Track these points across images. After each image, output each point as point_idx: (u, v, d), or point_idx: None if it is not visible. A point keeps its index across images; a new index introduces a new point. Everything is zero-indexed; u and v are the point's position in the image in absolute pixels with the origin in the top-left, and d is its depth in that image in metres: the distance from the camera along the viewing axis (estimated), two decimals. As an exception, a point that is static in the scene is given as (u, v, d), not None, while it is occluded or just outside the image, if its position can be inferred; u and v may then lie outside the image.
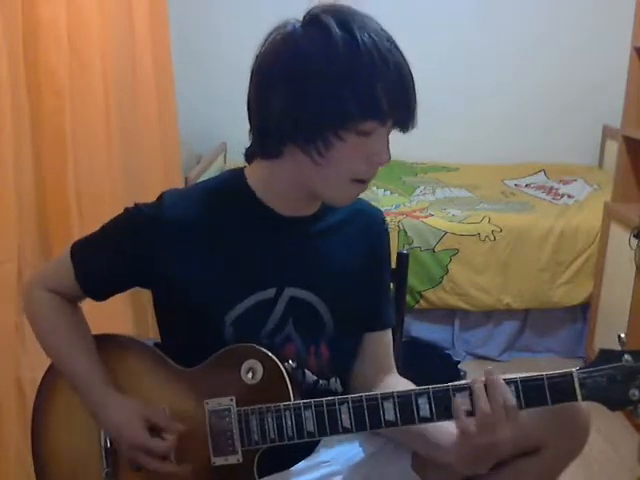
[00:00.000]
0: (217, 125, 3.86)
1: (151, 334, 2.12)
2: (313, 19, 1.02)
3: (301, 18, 1.04)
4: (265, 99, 1.04)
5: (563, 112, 3.95)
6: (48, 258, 1.66)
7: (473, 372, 2.78)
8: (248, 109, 1.09)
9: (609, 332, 2.67)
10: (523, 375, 0.98)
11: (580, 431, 1.11)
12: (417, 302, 2.99)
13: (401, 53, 1.02)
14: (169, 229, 1.09)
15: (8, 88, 1.42)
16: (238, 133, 4.08)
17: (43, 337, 1.20)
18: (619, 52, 2.88)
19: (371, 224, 1.23)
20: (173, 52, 2.51)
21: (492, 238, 2.97)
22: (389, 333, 1.27)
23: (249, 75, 1.07)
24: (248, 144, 1.13)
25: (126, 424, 1.09)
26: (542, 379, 0.97)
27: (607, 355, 0.96)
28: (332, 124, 0.99)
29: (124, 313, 2.02)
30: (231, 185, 1.14)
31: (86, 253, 1.17)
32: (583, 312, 3.02)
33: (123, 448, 1.11)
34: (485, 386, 0.97)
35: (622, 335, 1.00)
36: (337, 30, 0.98)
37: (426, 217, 3.08)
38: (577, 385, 0.95)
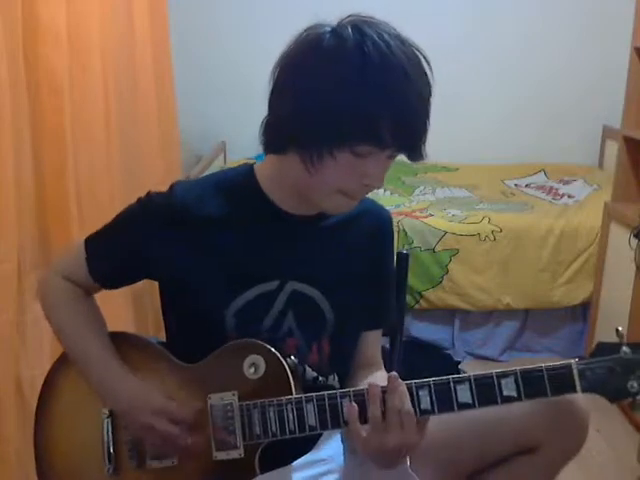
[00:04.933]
0: (216, 124, 3.87)
1: (151, 334, 2.12)
2: (339, 32, 0.99)
3: (335, 21, 1.02)
4: (277, 97, 1.05)
5: (563, 112, 3.95)
6: (48, 258, 1.66)
7: (473, 372, 2.78)
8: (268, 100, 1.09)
9: (609, 332, 2.65)
10: (523, 367, 0.98)
11: (578, 429, 1.11)
12: (417, 302, 2.99)
13: (423, 80, 0.99)
14: (177, 219, 1.11)
15: (8, 88, 1.42)
16: (237, 132, 4.10)
17: (58, 322, 1.21)
18: (619, 52, 2.88)
19: (377, 224, 1.24)
20: (173, 52, 2.52)
21: (492, 238, 2.97)
22: (380, 331, 1.28)
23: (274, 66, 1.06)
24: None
25: (149, 392, 1.11)
26: (541, 370, 0.97)
27: (605, 347, 0.97)
28: (327, 140, 0.99)
29: (125, 313, 2.02)
30: (240, 180, 1.16)
31: (99, 242, 1.20)
32: (583, 312, 3.02)
33: (147, 419, 1.09)
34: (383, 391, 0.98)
35: (620, 328, 1.00)
36: (354, 50, 0.96)
37: (426, 217, 3.08)
38: (576, 376, 0.95)
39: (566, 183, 3.67)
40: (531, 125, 3.98)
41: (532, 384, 0.97)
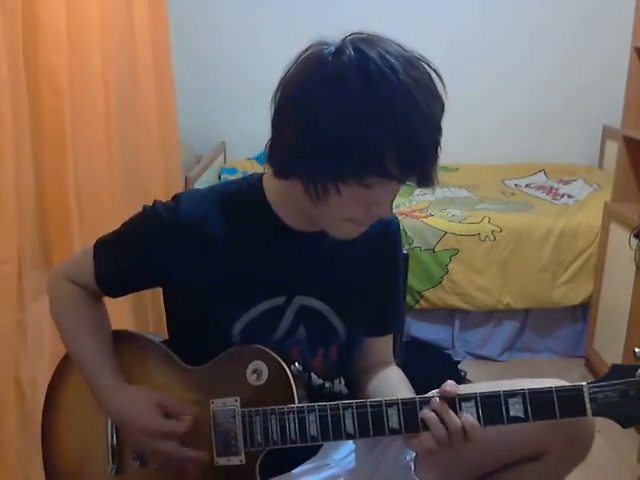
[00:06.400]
0: (216, 124, 3.87)
1: (151, 332, 2.12)
2: (341, 55, 0.93)
3: (339, 38, 0.96)
4: (278, 120, 1.00)
5: (563, 112, 3.95)
6: (48, 258, 1.66)
7: (473, 372, 2.79)
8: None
9: (609, 332, 2.67)
10: (532, 387, 0.95)
11: (584, 437, 1.09)
12: (417, 302, 2.99)
13: (433, 101, 0.93)
14: (183, 234, 1.09)
15: (8, 88, 1.41)
16: (237, 132, 4.09)
17: (62, 326, 1.21)
18: (619, 52, 2.88)
19: (385, 233, 1.20)
20: (173, 52, 2.52)
21: (492, 238, 2.97)
22: (391, 334, 1.27)
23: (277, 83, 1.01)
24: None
25: (139, 412, 1.09)
26: (551, 392, 0.94)
27: (620, 370, 0.93)
28: (331, 174, 0.95)
29: (124, 312, 2.02)
30: (248, 194, 1.13)
31: (105, 251, 1.19)
32: (583, 312, 3.02)
33: (138, 437, 1.10)
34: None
35: (637, 350, 0.96)
36: (356, 77, 0.90)
37: (426, 217, 3.08)
38: (587, 400, 0.93)
39: (566, 183, 3.68)
40: (531, 125, 3.98)
41: (540, 406, 0.94)
